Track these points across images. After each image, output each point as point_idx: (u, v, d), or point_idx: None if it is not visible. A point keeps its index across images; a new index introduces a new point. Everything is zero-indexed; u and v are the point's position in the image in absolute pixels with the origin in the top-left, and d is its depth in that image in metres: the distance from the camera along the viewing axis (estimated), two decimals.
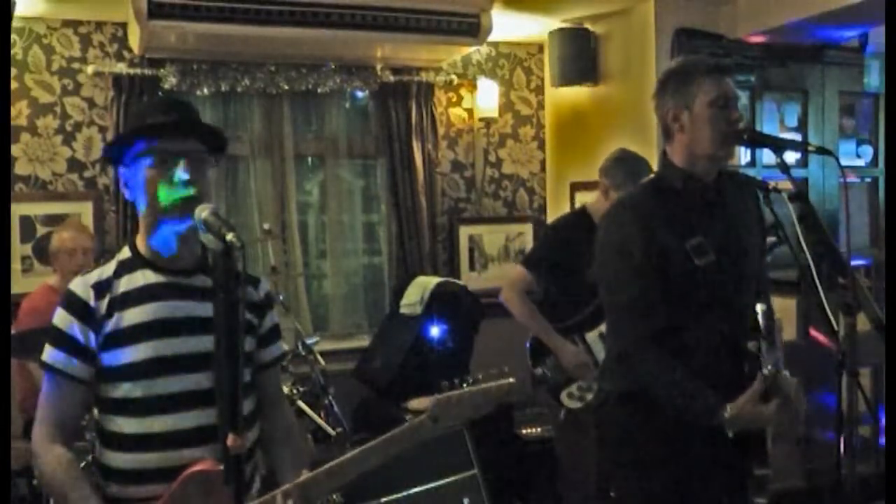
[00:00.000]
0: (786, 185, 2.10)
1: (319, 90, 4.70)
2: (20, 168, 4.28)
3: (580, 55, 4.78)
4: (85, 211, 4.35)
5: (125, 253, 1.81)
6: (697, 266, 2.09)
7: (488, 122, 5.15)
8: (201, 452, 1.69)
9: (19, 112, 4.27)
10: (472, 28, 4.27)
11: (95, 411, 1.79)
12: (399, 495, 3.12)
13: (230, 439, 1.50)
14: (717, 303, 2.13)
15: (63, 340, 1.72)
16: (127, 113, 4.25)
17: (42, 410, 1.75)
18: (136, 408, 1.71)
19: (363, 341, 4.75)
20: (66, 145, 4.38)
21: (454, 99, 5.16)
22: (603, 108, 4.81)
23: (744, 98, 4.61)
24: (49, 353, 1.73)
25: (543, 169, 5.38)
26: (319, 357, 4.03)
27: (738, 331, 2.12)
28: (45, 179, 4.34)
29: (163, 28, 3.83)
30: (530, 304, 3.39)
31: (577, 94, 4.97)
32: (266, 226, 4.35)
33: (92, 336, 1.71)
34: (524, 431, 4.42)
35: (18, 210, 4.21)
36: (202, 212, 1.62)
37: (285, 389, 3.04)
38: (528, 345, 3.45)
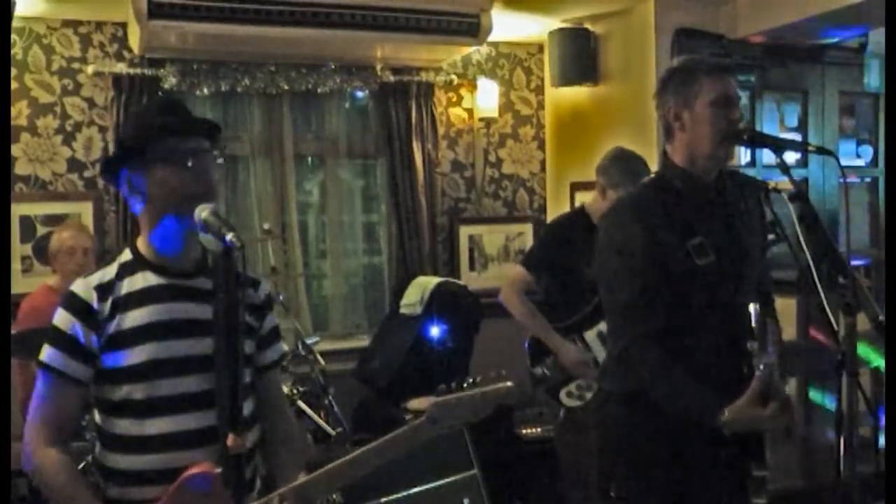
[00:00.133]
0: (786, 185, 2.10)
1: (319, 90, 4.70)
2: (20, 168, 4.28)
3: (580, 55, 4.78)
4: (85, 211, 4.35)
5: (126, 255, 1.80)
6: (698, 266, 2.09)
7: (488, 122, 5.15)
8: (202, 454, 1.69)
9: (19, 112, 4.27)
10: (472, 28, 4.28)
11: (96, 412, 1.79)
12: (399, 495, 3.12)
13: (230, 440, 1.49)
14: (718, 303, 2.13)
15: (63, 341, 1.71)
16: (127, 113, 4.25)
17: (39, 411, 1.74)
18: (137, 409, 1.71)
19: (363, 341, 4.76)
20: (66, 145, 4.38)
21: (454, 99, 5.16)
22: (603, 108, 4.81)
23: (744, 98, 4.61)
24: (48, 354, 1.73)
25: (543, 169, 5.38)
26: (319, 357, 4.03)
27: (738, 331, 2.12)
28: (45, 179, 4.34)
29: (163, 28, 3.83)
30: (530, 304, 3.39)
31: (577, 94, 4.97)
32: (266, 226, 4.36)
33: (93, 338, 1.71)
34: (524, 431, 4.42)
35: (18, 210, 4.21)
36: (202, 212, 1.62)
37: (285, 389, 3.05)
38: (526, 344, 3.45)
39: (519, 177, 5.34)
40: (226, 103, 4.67)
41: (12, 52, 4.19)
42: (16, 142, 4.26)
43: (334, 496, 3.08)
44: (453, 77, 5.05)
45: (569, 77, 4.82)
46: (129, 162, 1.75)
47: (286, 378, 3.80)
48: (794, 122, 4.98)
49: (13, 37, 4.19)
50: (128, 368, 1.70)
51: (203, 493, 1.65)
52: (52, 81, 4.35)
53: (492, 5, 4.27)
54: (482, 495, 3.27)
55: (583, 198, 4.79)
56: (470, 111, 5.18)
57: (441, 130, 5.06)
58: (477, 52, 5.04)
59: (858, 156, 5.31)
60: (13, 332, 3.20)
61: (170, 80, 4.38)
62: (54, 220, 4.16)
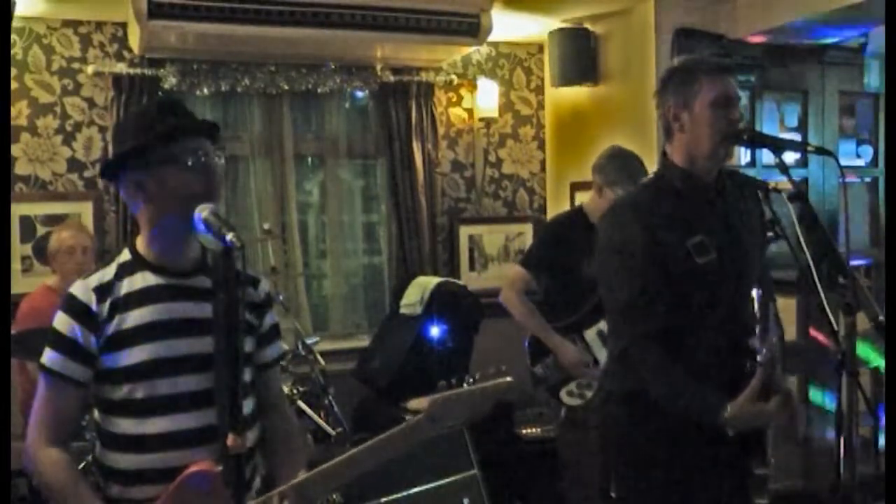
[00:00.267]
0: (786, 185, 2.10)
1: (319, 90, 4.70)
2: (20, 168, 4.28)
3: (580, 55, 4.78)
4: (85, 211, 4.35)
5: (125, 255, 1.80)
6: (698, 265, 2.09)
7: (488, 122, 5.15)
8: (202, 453, 1.69)
9: (19, 112, 4.27)
10: (472, 28, 4.28)
11: (96, 412, 1.79)
12: (399, 495, 3.12)
13: (230, 439, 1.49)
14: (718, 302, 2.13)
15: (63, 343, 1.71)
16: (127, 113, 4.25)
17: (40, 413, 1.75)
18: (137, 409, 1.71)
19: (363, 341, 4.76)
20: (66, 145, 4.38)
21: (454, 99, 5.16)
22: (603, 108, 4.81)
23: (744, 98, 4.59)
24: (48, 356, 1.73)
25: (543, 169, 5.38)
26: (319, 357, 4.03)
27: (738, 329, 2.12)
28: (45, 179, 4.34)
29: (163, 28, 3.83)
30: (529, 304, 3.39)
31: (577, 94, 4.97)
32: (266, 226, 4.36)
33: (93, 339, 1.71)
34: (524, 431, 4.42)
35: (18, 210, 4.21)
36: (202, 211, 1.62)
37: (285, 389, 3.04)
38: (526, 344, 3.45)
39: (519, 177, 5.34)
40: (226, 103, 4.67)
41: (12, 52, 4.19)
42: (16, 142, 4.26)
43: (334, 496, 3.08)
44: (453, 77, 5.05)
45: (569, 77, 4.82)
46: (129, 162, 1.75)
47: (286, 378, 3.80)
48: (794, 122, 4.98)
49: (13, 37, 4.19)
50: (128, 368, 1.70)
51: (203, 492, 1.65)
52: (52, 81, 4.35)
53: (492, 5, 4.27)
54: (482, 495, 3.27)
55: (583, 198, 4.78)
56: (470, 111, 5.18)
57: (441, 130, 5.06)
58: (477, 52, 5.04)
59: (858, 156, 5.31)
60: (13, 332, 3.20)
61: (170, 80, 4.38)
62: (54, 220, 4.16)
